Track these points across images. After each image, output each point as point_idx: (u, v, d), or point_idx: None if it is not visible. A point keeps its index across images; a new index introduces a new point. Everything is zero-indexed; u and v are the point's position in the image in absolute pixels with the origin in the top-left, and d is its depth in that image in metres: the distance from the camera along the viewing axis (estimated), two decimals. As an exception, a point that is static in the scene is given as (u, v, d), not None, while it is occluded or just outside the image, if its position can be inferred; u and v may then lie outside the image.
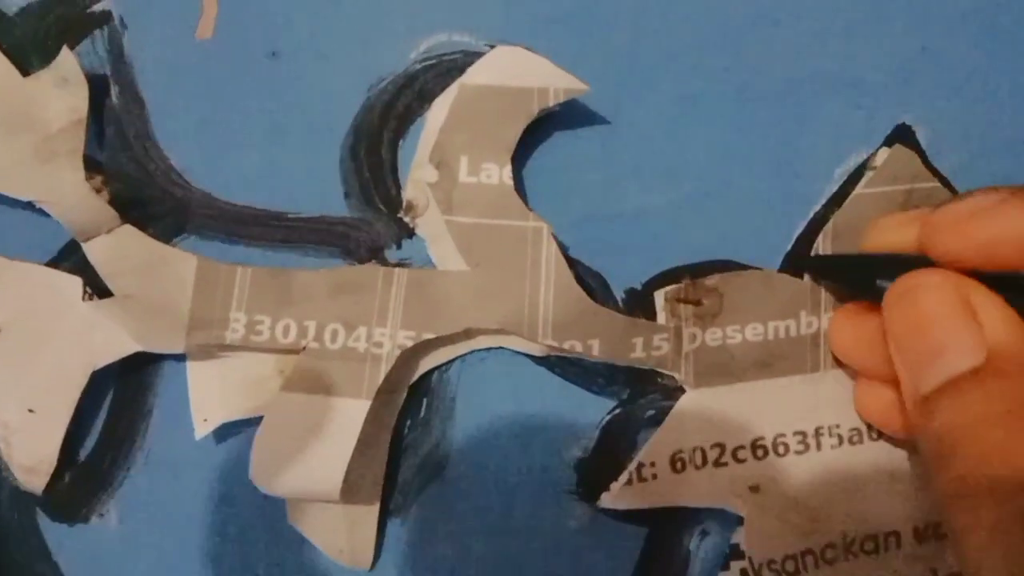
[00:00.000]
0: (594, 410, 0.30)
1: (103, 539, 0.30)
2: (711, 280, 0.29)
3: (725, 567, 0.29)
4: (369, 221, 0.30)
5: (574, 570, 0.30)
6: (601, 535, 0.30)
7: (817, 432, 0.29)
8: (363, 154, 0.30)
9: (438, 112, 0.28)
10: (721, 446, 0.29)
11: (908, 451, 0.29)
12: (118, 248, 0.28)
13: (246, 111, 0.30)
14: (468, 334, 0.29)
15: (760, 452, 0.29)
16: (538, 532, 0.30)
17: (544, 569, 0.30)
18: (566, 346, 0.28)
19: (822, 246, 0.29)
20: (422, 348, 0.29)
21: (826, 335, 0.29)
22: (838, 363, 0.29)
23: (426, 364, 0.29)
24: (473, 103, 0.28)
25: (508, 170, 0.28)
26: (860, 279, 0.26)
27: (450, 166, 0.28)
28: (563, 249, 0.29)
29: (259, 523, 0.30)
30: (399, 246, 0.30)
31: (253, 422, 0.28)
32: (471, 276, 0.28)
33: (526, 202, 0.29)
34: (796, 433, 0.29)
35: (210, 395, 0.29)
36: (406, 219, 0.29)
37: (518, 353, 0.29)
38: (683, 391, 0.29)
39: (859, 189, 0.29)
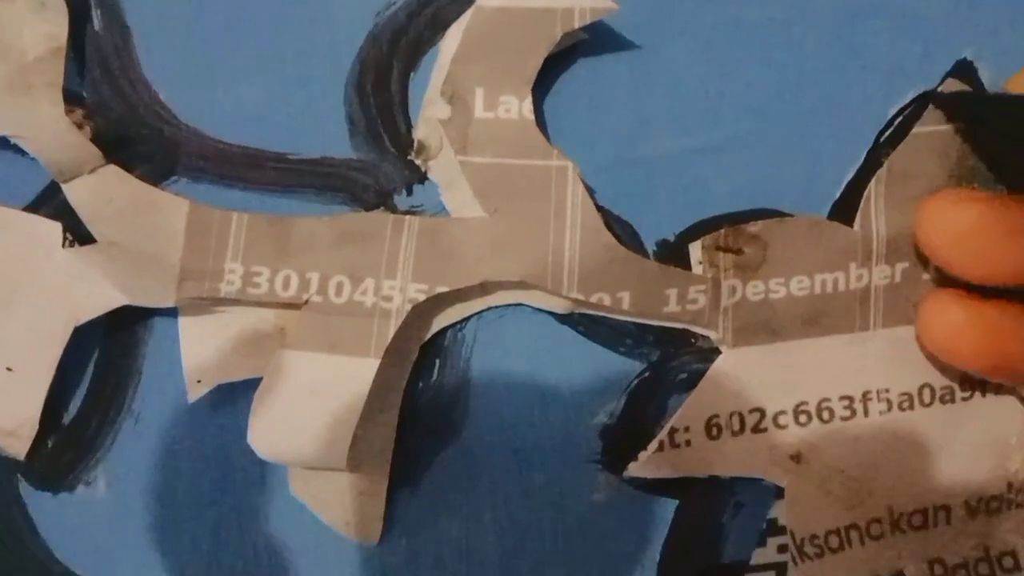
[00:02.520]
0: (621, 373, 0.29)
1: (90, 509, 0.29)
2: (754, 227, 0.28)
3: (762, 543, 0.29)
4: (376, 163, 0.29)
5: (597, 546, 0.29)
6: (627, 508, 0.29)
7: (865, 397, 0.28)
8: (370, 89, 0.28)
9: (452, 40, 0.27)
10: (761, 411, 0.28)
11: (958, 419, 0.28)
12: (102, 190, 0.27)
13: (242, 41, 0.29)
14: (485, 288, 0.28)
15: (803, 418, 0.28)
16: (559, 504, 0.29)
17: (565, 544, 0.29)
18: (593, 300, 0.27)
19: (874, 192, 0.28)
20: (435, 303, 0.28)
21: (876, 290, 0.28)
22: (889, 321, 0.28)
23: (440, 322, 0.28)
24: (489, 28, 0.27)
25: (529, 103, 0.27)
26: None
27: (464, 100, 0.27)
28: (590, 193, 0.27)
29: (257, 492, 0.29)
30: (410, 191, 0.29)
31: (251, 383, 0.27)
32: (489, 223, 0.27)
33: (548, 141, 0.27)
34: (842, 398, 0.28)
35: (204, 354, 0.28)
36: (417, 161, 0.28)
37: (539, 310, 0.28)
38: (719, 352, 0.28)
39: (916, 128, 0.28)
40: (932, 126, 0.28)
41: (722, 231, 0.28)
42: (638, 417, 0.29)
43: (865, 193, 0.28)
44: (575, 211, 0.27)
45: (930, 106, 0.28)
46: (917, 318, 0.27)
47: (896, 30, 0.29)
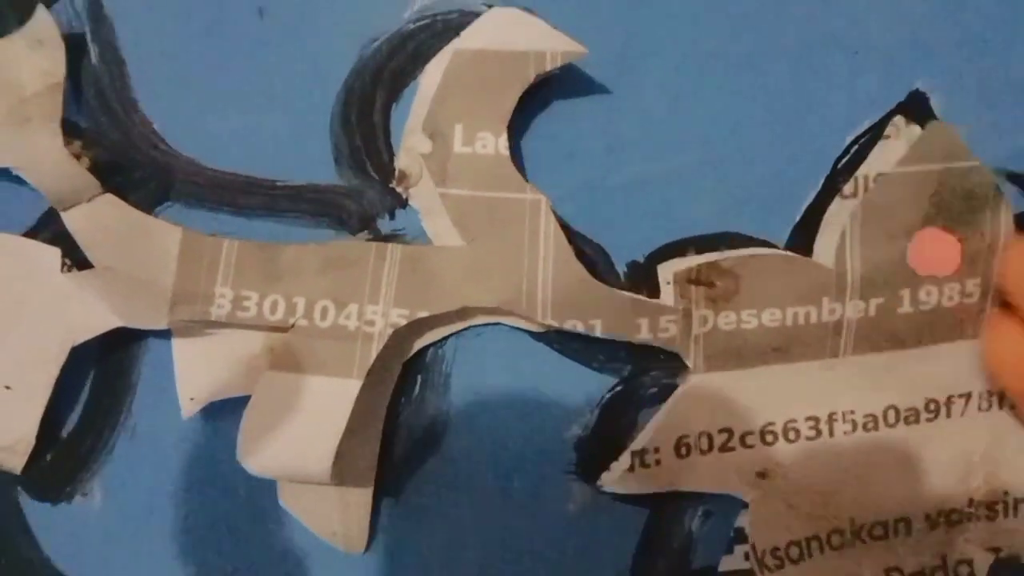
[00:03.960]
0: (594, 387, 0.29)
1: (87, 519, 0.30)
2: (727, 262, 0.28)
3: (729, 551, 0.30)
4: (361, 190, 0.29)
5: (573, 552, 0.30)
6: (601, 516, 0.30)
7: (831, 418, 0.29)
8: (354, 119, 0.29)
9: (432, 76, 0.28)
10: (729, 431, 0.29)
11: (922, 438, 0.29)
12: (98, 218, 0.27)
13: (232, 72, 0.29)
14: (464, 313, 0.28)
15: (770, 438, 0.29)
16: (536, 513, 0.30)
17: (543, 551, 0.30)
18: (567, 326, 0.27)
19: (851, 229, 0.28)
20: (416, 327, 0.28)
21: (849, 323, 0.28)
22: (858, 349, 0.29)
23: (420, 342, 0.29)
24: (467, 69, 0.27)
25: (504, 139, 0.27)
26: None
27: (444, 135, 0.28)
28: (563, 222, 0.28)
29: (248, 504, 0.30)
30: (392, 216, 0.29)
31: (241, 401, 0.28)
32: (467, 252, 0.28)
33: (524, 173, 0.28)
34: (808, 419, 0.29)
35: (197, 373, 0.28)
36: (398, 189, 0.29)
37: (516, 328, 0.29)
38: (688, 368, 0.29)
39: (893, 168, 0.28)
40: (906, 167, 0.28)
41: (694, 265, 0.28)
42: (611, 429, 0.29)
43: (841, 230, 0.28)
44: (548, 243, 0.28)
45: (883, 139, 0.29)
46: (984, 341, 0.28)
47: (854, 62, 0.29)
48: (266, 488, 0.29)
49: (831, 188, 0.29)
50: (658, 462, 0.28)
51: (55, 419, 0.29)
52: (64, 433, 0.30)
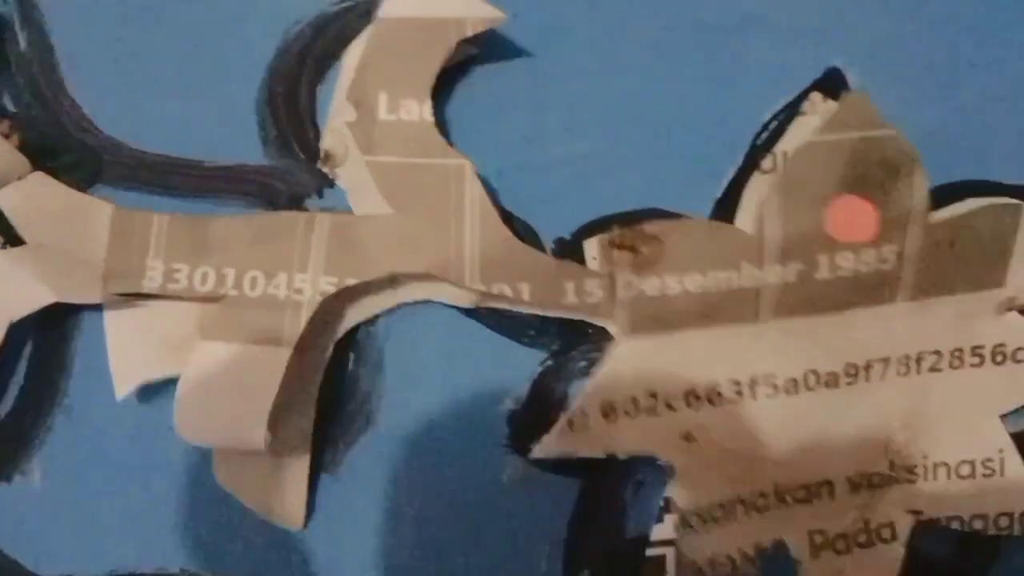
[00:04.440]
0: (525, 362, 0.30)
1: (26, 498, 0.30)
2: (650, 227, 0.29)
3: (659, 520, 0.30)
4: (289, 170, 0.30)
5: (508, 523, 0.30)
6: (535, 488, 0.30)
7: (752, 382, 0.29)
8: (280, 100, 0.30)
9: (355, 56, 0.29)
10: (654, 395, 0.29)
11: (843, 402, 0.30)
12: (29, 195, 0.28)
13: (160, 56, 0.30)
14: (393, 280, 0.29)
15: (693, 401, 0.29)
16: (471, 486, 0.30)
17: (478, 523, 0.30)
18: (494, 290, 0.28)
19: (770, 196, 0.29)
20: (345, 295, 0.29)
21: (770, 288, 0.29)
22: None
23: (351, 317, 0.30)
24: (390, 37, 0.28)
25: (428, 106, 0.28)
26: None
27: (368, 104, 0.28)
28: (488, 191, 0.29)
29: (185, 481, 0.30)
30: (320, 195, 0.30)
31: (176, 380, 0.28)
32: (394, 219, 0.28)
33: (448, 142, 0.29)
34: (731, 382, 0.29)
35: (131, 354, 0.29)
36: (325, 169, 0.30)
37: (447, 306, 0.30)
38: (614, 340, 0.29)
39: (811, 137, 0.29)
40: (824, 136, 0.29)
41: (618, 231, 0.29)
42: (542, 403, 0.30)
43: (760, 198, 0.29)
44: (473, 207, 0.28)
45: (799, 115, 0.30)
46: None
47: (771, 41, 0.30)
48: (206, 465, 0.30)
49: (751, 164, 0.30)
50: (586, 425, 0.29)
51: (-7, 397, 0.30)
52: (1, 412, 0.30)
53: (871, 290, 0.29)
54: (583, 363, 0.30)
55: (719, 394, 0.29)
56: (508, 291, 0.28)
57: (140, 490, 0.30)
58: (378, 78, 0.28)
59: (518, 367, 0.30)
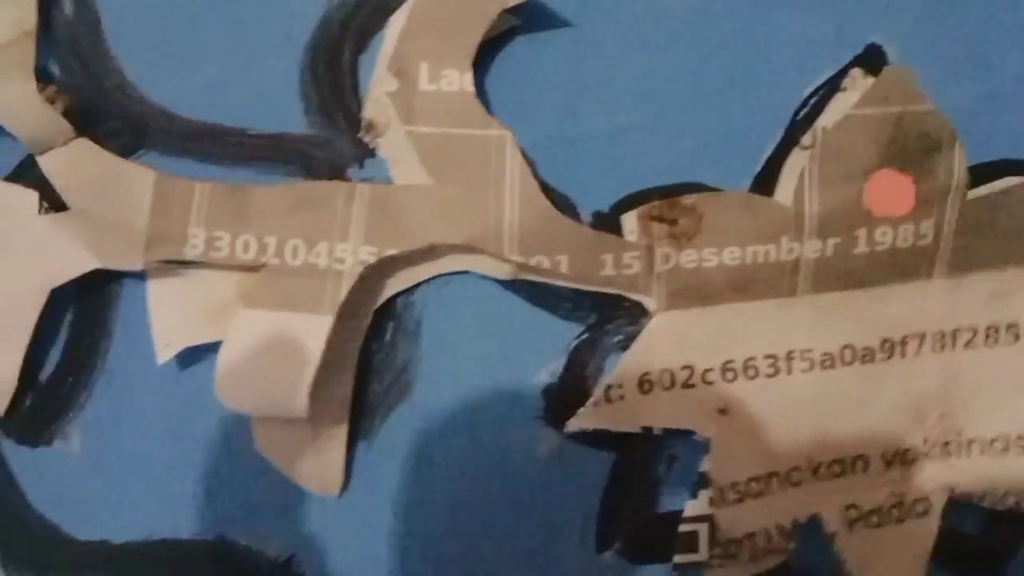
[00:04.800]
0: (562, 335, 0.30)
1: (66, 462, 0.31)
2: (689, 199, 0.29)
3: (693, 496, 0.30)
4: (330, 139, 0.30)
5: (542, 496, 0.31)
6: (569, 461, 0.30)
7: (789, 356, 0.30)
8: (322, 70, 0.30)
9: (397, 26, 0.29)
10: (690, 368, 0.29)
11: (878, 377, 0.30)
12: (73, 161, 0.28)
13: (205, 24, 0.30)
14: (432, 251, 0.29)
15: (730, 375, 0.30)
16: (506, 458, 0.30)
17: (512, 495, 0.31)
18: (532, 262, 0.28)
19: (809, 170, 0.29)
20: (385, 265, 0.29)
21: (807, 261, 0.29)
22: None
23: (391, 287, 0.30)
24: (432, 7, 0.28)
25: (469, 76, 0.28)
26: None
27: (410, 74, 0.28)
28: (528, 161, 0.29)
29: (224, 448, 0.31)
30: (361, 165, 0.30)
31: (216, 347, 0.29)
32: (434, 190, 0.28)
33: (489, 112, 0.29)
34: (767, 356, 0.30)
35: (172, 320, 0.29)
36: (366, 139, 0.30)
37: (484, 277, 0.30)
38: (651, 316, 0.29)
39: (851, 110, 0.29)
40: (863, 109, 0.29)
41: (656, 203, 0.29)
42: (577, 376, 0.30)
43: (800, 172, 0.29)
44: (513, 178, 0.28)
45: (840, 91, 0.30)
46: None
47: (811, 15, 0.30)
48: (243, 432, 0.30)
49: (790, 139, 0.30)
50: (622, 397, 0.29)
51: (34, 363, 0.30)
52: (43, 377, 0.31)
53: (908, 265, 0.29)
54: (619, 337, 0.30)
55: (755, 368, 0.29)
56: (546, 263, 0.28)
57: (177, 456, 0.31)
58: (420, 48, 0.28)
59: (554, 339, 0.30)
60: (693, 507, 0.30)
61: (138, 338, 0.30)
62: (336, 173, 0.30)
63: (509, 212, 0.28)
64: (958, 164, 0.29)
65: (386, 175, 0.30)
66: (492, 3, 0.28)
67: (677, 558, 0.30)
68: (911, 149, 0.29)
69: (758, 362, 0.30)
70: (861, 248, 0.29)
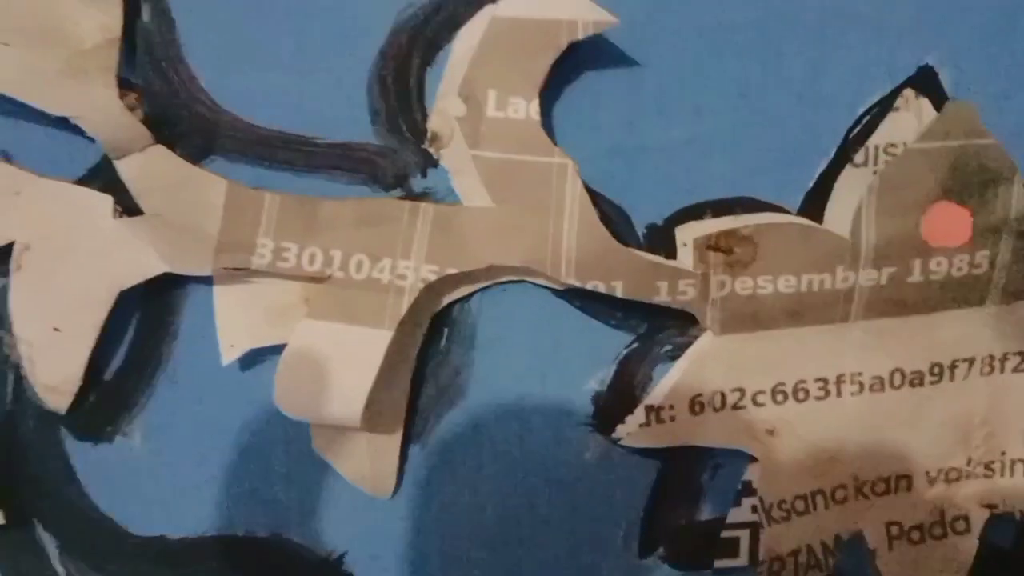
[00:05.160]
0: (612, 343, 0.31)
1: (126, 458, 0.31)
2: (746, 229, 0.29)
3: (737, 503, 0.31)
4: (395, 149, 0.30)
5: (588, 500, 0.31)
6: (615, 466, 0.31)
7: (839, 379, 0.30)
8: (390, 81, 0.30)
9: (464, 41, 0.29)
10: (741, 390, 0.30)
11: (926, 400, 0.30)
12: (149, 167, 0.29)
13: (275, 33, 0.30)
14: (491, 271, 0.30)
15: (780, 397, 0.30)
16: (553, 462, 0.31)
17: (559, 498, 0.31)
18: (589, 287, 0.29)
19: (867, 201, 0.29)
20: (445, 282, 0.30)
21: (861, 289, 0.29)
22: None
23: (448, 297, 0.30)
24: (503, 36, 0.29)
25: (536, 105, 0.29)
26: None
27: (478, 100, 0.29)
28: (586, 185, 0.29)
29: (281, 448, 0.31)
30: (424, 175, 0.30)
31: (277, 349, 0.29)
32: (495, 212, 0.29)
33: (551, 137, 0.29)
34: (817, 379, 0.30)
35: (237, 322, 0.30)
36: (430, 150, 0.30)
37: (539, 286, 0.30)
38: (701, 327, 0.30)
39: (912, 144, 0.29)
40: (927, 143, 0.29)
41: (714, 232, 0.29)
42: (626, 384, 0.31)
43: (858, 203, 0.29)
44: (573, 205, 0.29)
45: (892, 111, 0.30)
46: None
47: (866, 37, 0.30)
48: (301, 433, 0.31)
49: (843, 157, 0.30)
50: (673, 418, 0.30)
51: (99, 361, 0.31)
52: (107, 375, 0.31)
53: (961, 293, 0.30)
54: (668, 347, 0.31)
55: (806, 391, 0.30)
56: (602, 287, 0.29)
57: (234, 454, 0.31)
58: (489, 76, 0.29)
59: (604, 348, 0.31)
60: (736, 515, 0.31)
61: (201, 339, 0.30)
62: (399, 182, 0.30)
63: (567, 237, 0.29)
64: (1016, 196, 0.29)
65: (448, 185, 0.30)
66: (561, 35, 0.28)
67: (718, 563, 0.31)
68: (970, 182, 0.29)
69: (808, 385, 0.30)
70: (915, 277, 0.29)
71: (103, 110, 0.28)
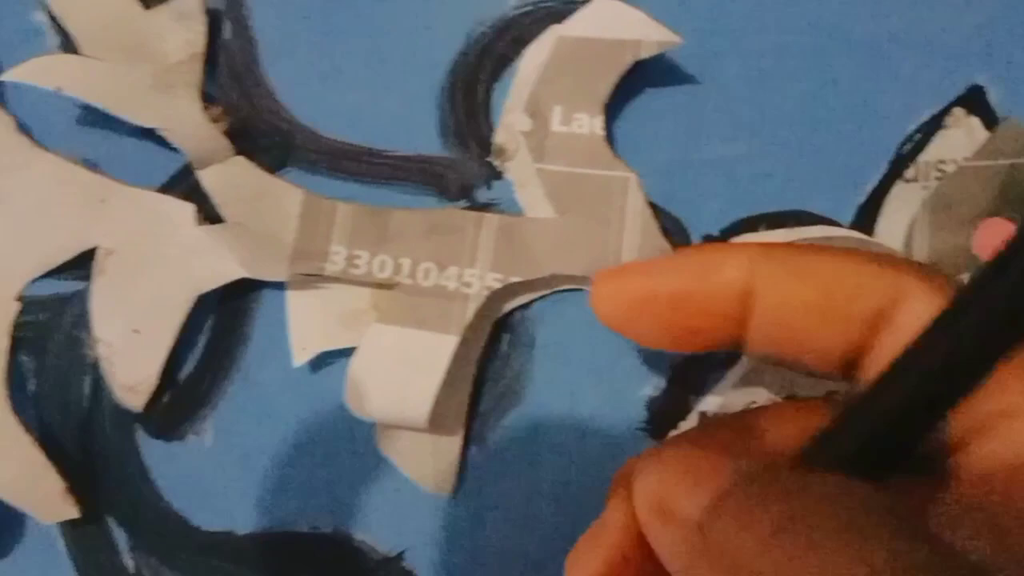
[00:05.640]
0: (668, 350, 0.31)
1: (196, 456, 0.32)
2: (803, 243, 0.30)
3: None
4: (461, 161, 0.31)
5: (641, 504, 0.31)
6: None
7: None
8: (459, 96, 0.31)
9: (531, 58, 0.30)
10: (793, 396, 0.31)
11: None
12: (231, 177, 0.30)
13: (351, 49, 0.31)
14: (553, 280, 0.31)
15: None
16: (609, 464, 0.31)
17: (613, 500, 0.31)
18: None
19: (920, 216, 0.30)
20: (508, 290, 0.31)
21: None
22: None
23: (511, 304, 0.32)
24: (569, 55, 0.30)
25: (600, 120, 0.30)
26: None
27: (544, 115, 0.30)
28: (647, 198, 0.30)
29: (345, 448, 0.32)
30: (489, 186, 0.31)
31: (344, 353, 0.31)
32: (558, 223, 0.30)
33: (613, 150, 0.30)
34: None
35: (309, 325, 0.31)
36: (495, 163, 0.31)
37: (597, 292, 0.31)
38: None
39: (963, 162, 0.30)
40: (979, 160, 0.30)
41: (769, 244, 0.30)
42: (679, 391, 0.31)
43: (911, 220, 0.30)
44: (634, 218, 0.30)
45: (942, 128, 0.31)
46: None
47: (918, 57, 0.31)
48: (365, 435, 0.32)
49: (894, 173, 0.31)
50: None
51: (174, 362, 0.32)
52: (182, 376, 0.32)
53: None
54: (722, 355, 0.31)
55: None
56: (663, 299, 0.30)
57: (301, 452, 0.32)
58: (555, 92, 0.30)
59: (660, 355, 0.32)
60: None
61: (274, 342, 0.31)
62: (465, 193, 0.31)
63: (627, 250, 0.30)
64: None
65: (511, 196, 0.31)
66: (627, 53, 0.29)
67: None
68: (1020, 199, 0.30)
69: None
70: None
71: (189, 123, 0.30)
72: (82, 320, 0.32)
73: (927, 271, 0.22)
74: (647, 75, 0.31)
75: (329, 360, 0.31)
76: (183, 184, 0.31)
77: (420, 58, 0.31)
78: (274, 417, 0.32)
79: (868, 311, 0.21)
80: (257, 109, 0.31)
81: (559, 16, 0.31)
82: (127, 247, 0.31)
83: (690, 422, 0.31)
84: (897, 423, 0.19)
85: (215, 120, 0.30)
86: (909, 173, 0.31)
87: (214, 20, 0.31)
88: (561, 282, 0.31)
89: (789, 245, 0.24)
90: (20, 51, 0.32)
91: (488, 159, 0.31)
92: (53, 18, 0.32)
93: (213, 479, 0.32)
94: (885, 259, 0.22)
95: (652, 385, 0.32)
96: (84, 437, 0.32)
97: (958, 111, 0.31)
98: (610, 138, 0.31)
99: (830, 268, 0.22)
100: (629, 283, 0.24)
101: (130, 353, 0.31)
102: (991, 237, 0.30)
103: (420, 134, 0.31)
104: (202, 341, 0.32)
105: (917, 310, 0.21)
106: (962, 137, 0.31)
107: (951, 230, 0.30)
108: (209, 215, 0.31)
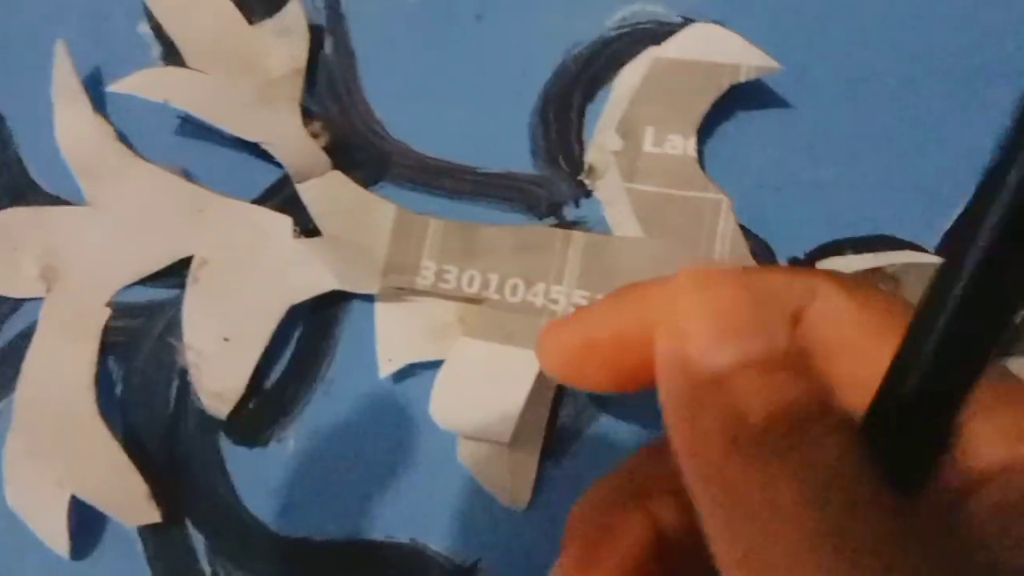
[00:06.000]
0: None
1: (278, 463, 0.33)
2: (891, 268, 0.30)
3: None
4: (551, 179, 0.32)
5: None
6: None
7: None
8: (552, 115, 0.32)
9: (626, 79, 0.31)
10: None
11: None
12: (328, 191, 0.31)
13: (447, 69, 0.32)
14: (639, 299, 0.30)
15: None
16: None
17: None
18: None
19: None
20: (594, 308, 0.30)
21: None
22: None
23: (593, 321, 0.31)
24: (665, 76, 0.30)
25: (693, 142, 0.30)
26: None
27: (636, 136, 0.30)
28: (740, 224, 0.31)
29: (423, 458, 0.32)
30: (577, 205, 0.32)
31: (428, 366, 0.31)
32: (646, 243, 0.30)
33: (705, 172, 0.31)
34: None
35: (396, 337, 0.31)
36: (586, 181, 0.32)
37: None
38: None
39: None
40: None
41: (861, 271, 0.30)
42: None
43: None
44: (724, 241, 0.30)
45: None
46: None
47: (1001, 85, 0.32)
48: (445, 443, 0.32)
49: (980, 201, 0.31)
50: None
51: (261, 370, 0.32)
52: (267, 384, 0.33)
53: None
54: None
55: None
56: (749, 321, 0.30)
57: (381, 464, 0.33)
58: (648, 113, 0.30)
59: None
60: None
61: (359, 354, 0.32)
62: (554, 210, 0.32)
63: None
64: None
65: (599, 215, 0.32)
66: (724, 77, 0.30)
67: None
68: None
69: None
70: None
71: (290, 137, 0.30)
72: (173, 327, 0.32)
73: (837, 274, 0.22)
74: (739, 98, 0.31)
75: (413, 372, 0.32)
76: (278, 196, 0.32)
77: (515, 77, 0.32)
78: (355, 426, 0.33)
79: (788, 312, 0.22)
80: (354, 124, 0.32)
81: (657, 37, 0.31)
82: (222, 257, 0.31)
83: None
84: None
85: (315, 135, 0.31)
86: (994, 200, 0.31)
87: (316, 36, 0.31)
88: (646, 302, 0.31)
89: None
90: (126, 61, 0.33)
91: (578, 177, 0.31)
92: (157, 29, 0.33)
93: (293, 486, 0.33)
94: (799, 268, 0.22)
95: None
96: (168, 442, 0.33)
97: None
98: (701, 160, 0.31)
99: (755, 281, 0.23)
100: (569, 332, 0.24)
101: (219, 361, 0.32)
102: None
103: (512, 152, 0.32)
104: (288, 350, 0.33)
105: (828, 304, 0.21)
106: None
107: None
108: (308, 229, 0.31)
